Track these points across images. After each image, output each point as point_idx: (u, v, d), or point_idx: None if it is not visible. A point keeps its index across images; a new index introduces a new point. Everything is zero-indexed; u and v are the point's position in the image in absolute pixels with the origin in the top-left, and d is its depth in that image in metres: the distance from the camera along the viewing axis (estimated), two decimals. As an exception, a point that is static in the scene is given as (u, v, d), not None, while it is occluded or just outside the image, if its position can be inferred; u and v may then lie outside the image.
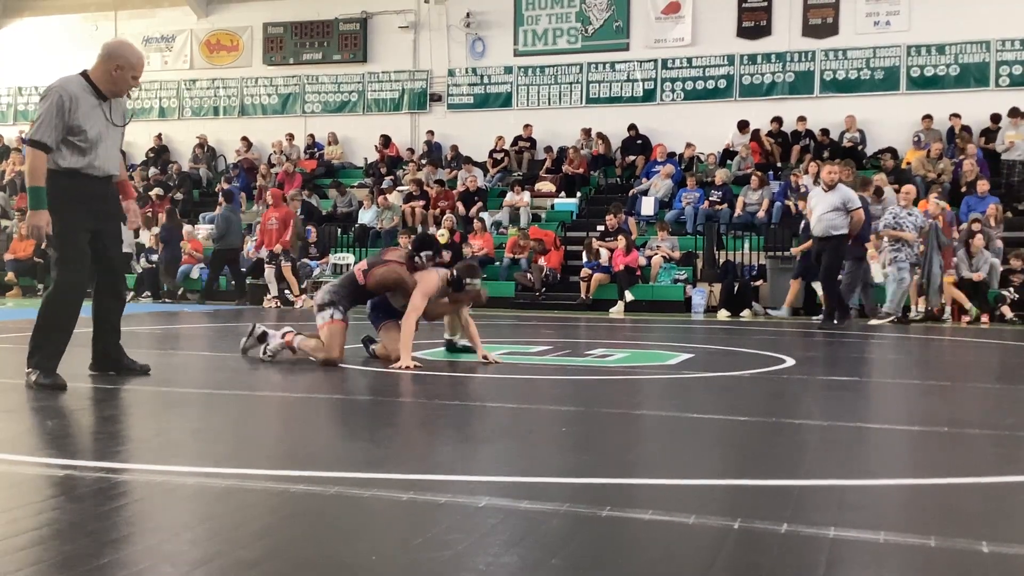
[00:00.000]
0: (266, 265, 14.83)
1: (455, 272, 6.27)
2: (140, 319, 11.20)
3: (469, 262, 6.88)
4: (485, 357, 6.25)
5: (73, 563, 2.03)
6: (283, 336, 6.25)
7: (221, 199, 16.03)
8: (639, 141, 18.12)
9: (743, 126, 17.28)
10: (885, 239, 12.43)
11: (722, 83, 18.04)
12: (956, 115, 16.29)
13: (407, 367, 5.70)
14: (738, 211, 15.55)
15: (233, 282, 15.44)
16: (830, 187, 10.34)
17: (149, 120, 21.57)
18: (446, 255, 7.03)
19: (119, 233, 5.18)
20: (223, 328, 9.97)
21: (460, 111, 19.77)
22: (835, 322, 10.30)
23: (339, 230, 17.05)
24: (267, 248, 14.78)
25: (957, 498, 2.77)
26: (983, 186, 14.24)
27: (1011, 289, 12.41)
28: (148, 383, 5.00)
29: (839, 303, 10.45)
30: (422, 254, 6.23)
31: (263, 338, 6.38)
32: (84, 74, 4.82)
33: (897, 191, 14.92)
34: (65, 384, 4.63)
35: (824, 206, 10.28)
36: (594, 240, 14.98)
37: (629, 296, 13.91)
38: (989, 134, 16.16)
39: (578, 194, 17.69)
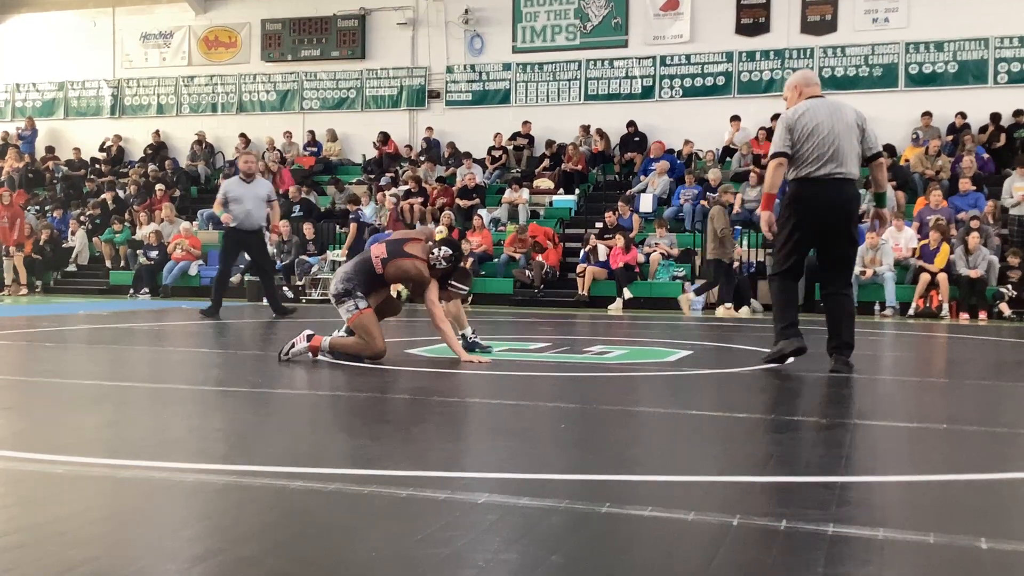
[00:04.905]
0: (4, 258, 17.01)
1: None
2: (128, 317, 11.20)
3: (466, 270, 6.78)
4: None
5: (73, 561, 2.03)
6: (308, 340, 5.92)
7: None
8: (637, 138, 18.11)
9: (734, 119, 17.26)
10: None
11: (720, 80, 18.03)
12: (962, 114, 16.25)
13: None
14: (736, 208, 15.52)
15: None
16: (250, 177, 10.12)
17: (147, 117, 21.52)
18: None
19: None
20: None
21: (458, 108, 19.76)
22: (203, 311, 10.12)
23: (337, 227, 17.04)
24: (5, 244, 17.00)
25: (956, 495, 2.77)
26: (965, 184, 14.20)
27: (1009, 286, 12.42)
28: (144, 380, 4.99)
29: (219, 297, 10.30)
30: (442, 248, 6.11)
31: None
32: None
33: (896, 188, 14.94)
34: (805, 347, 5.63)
35: (251, 198, 10.09)
36: (592, 236, 14.98)
37: (627, 293, 13.91)
38: (988, 133, 16.13)
39: (576, 191, 17.68)
